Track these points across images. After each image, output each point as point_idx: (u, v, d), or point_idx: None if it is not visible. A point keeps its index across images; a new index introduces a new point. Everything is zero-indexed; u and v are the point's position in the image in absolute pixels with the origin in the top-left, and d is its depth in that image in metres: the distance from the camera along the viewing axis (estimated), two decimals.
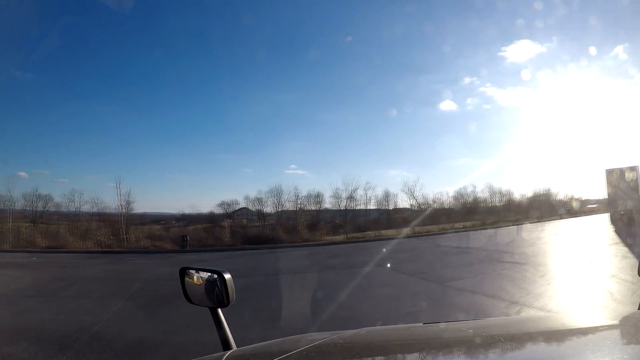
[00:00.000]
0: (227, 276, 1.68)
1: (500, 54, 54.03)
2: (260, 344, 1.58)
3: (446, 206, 48.59)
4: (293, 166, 52.86)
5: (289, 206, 35.71)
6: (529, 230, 24.45)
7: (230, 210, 34.83)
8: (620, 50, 47.82)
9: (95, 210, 30.22)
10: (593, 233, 20.51)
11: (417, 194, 42.73)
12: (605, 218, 28.10)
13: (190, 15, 42.07)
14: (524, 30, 50.14)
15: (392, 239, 24.09)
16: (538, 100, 52.96)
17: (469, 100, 54.05)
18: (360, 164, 57.99)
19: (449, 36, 50.18)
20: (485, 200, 48.33)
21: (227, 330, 1.68)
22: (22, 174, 39.99)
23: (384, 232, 28.84)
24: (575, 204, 44.84)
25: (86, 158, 43.27)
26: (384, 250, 17.44)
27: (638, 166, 27.81)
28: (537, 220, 36.60)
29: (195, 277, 1.83)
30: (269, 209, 35.54)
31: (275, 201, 34.83)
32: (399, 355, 1.39)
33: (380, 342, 1.62)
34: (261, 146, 52.85)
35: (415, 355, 1.40)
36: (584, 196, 49.88)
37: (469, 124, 54.63)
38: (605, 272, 8.98)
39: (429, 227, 32.53)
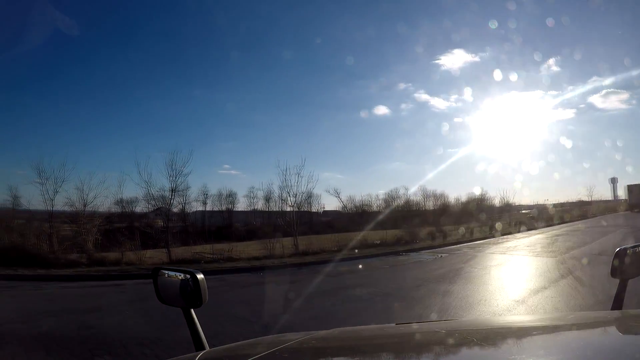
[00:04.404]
0: (200, 276, 1.64)
1: (434, 61, 55.00)
2: (232, 344, 1.52)
3: (375, 209, 45.91)
4: (226, 166, 52.72)
5: (196, 206, 32.53)
6: None
7: (130, 209, 30.72)
8: (552, 63, 50.38)
9: None
10: None
11: (344, 196, 40.22)
12: None
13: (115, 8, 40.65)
14: (459, 40, 53.49)
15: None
16: (471, 107, 56.79)
17: (403, 106, 54.58)
18: (294, 166, 57.00)
19: (384, 43, 51.03)
20: (418, 204, 45.81)
21: (199, 330, 1.63)
22: None
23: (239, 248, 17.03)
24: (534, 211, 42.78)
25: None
26: None
27: None
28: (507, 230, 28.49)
29: (167, 277, 1.78)
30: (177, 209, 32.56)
31: (182, 201, 31.50)
32: (372, 356, 1.36)
33: (353, 342, 1.56)
34: (193, 145, 52.62)
35: (388, 355, 1.36)
36: (515, 202, 48.82)
37: (403, 129, 55.26)
38: None
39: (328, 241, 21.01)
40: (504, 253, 16.37)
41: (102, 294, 9.35)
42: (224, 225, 32.55)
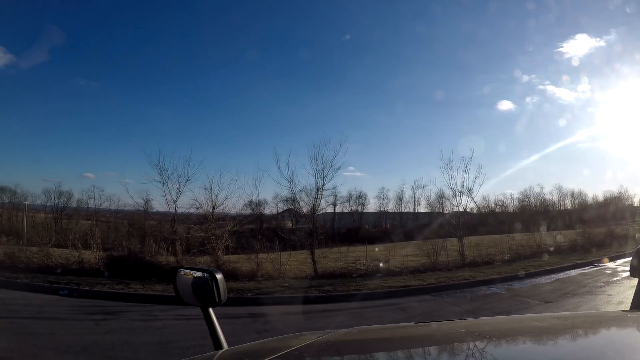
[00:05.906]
0: (219, 276, 1.59)
1: (557, 50, 52.21)
2: (252, 343, 1.47)
3: (510, 210, 43.35)
4: (351, 168, 52.41)
5: (325, 207, 30.71)
6: None
7: (258, 211, 29.58)
8: None
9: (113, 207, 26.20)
10: None
11: (476, 194, 36.67)
12: None
13: (248, 27, 43.82)
14: (580, 24, 46.26)
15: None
16: (599, 96, 48.65)
17: (527, 99, 51.90)
18: (417, 165, 55.07)
19: (503, 35, 48.19)
20: (554, 204, 44.30)
21: (218, 329, 1.58)
22: (89, 174, 47.57)
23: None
24: None
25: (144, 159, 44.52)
26: None
27: None
28: None
29: (186, 277, 1.72)
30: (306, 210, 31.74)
31: (310, 202, 30.30)
32: (391, 354, 1.28)
33: (373, 341, 1.50)
34: (315, 148, 54.16)
35: (408, 354, 1.29)
36: None
37: (530, 123, 53.07)
38: None
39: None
40: None
41: (234, 333, 5.81)
42: (354, 227, 29.83)
